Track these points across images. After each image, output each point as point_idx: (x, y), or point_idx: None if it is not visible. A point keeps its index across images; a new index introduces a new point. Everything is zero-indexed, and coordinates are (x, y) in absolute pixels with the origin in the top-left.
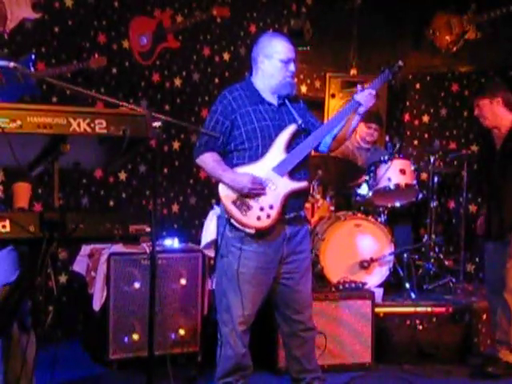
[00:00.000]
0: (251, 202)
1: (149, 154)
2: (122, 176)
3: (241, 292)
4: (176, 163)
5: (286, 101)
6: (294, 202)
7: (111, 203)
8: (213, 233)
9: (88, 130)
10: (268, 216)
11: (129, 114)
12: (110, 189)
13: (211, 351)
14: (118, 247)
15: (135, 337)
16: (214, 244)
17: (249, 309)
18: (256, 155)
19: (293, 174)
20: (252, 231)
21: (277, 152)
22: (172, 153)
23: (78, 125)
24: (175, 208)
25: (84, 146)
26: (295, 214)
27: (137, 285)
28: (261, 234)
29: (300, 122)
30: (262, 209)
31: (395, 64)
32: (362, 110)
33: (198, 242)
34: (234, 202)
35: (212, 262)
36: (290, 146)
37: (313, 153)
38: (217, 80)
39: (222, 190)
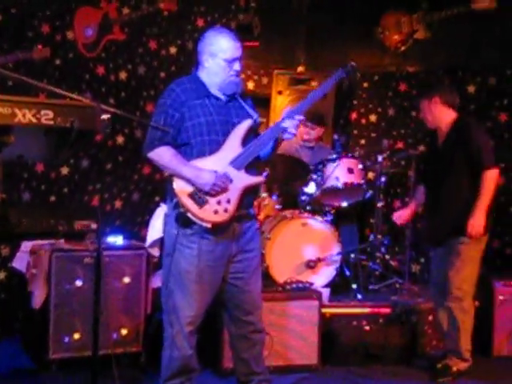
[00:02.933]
0: (208, 196)
1: (92, 149)
2: (64, 171)
3: (188, 292)
4: (120, 158)
5: (237, 96)
6: (245, 198)
7: (53, 198)
8: (159, 231)
9: (34, 120)
10: (225, 210)
11: (77, 105)
12: (51, 184)
13: (155, 351)
14: (60, 244)
15: (76, 336)
16: (160, 242)
17: (196, 309)
18: (203, 150)
19: (248, 169)
20: (209, 225)
21: (233, 146)
22: (116, 148)
23: (24, 115)
24: (118, 204)
25: (29, 137)
26: (245, 212)
27: (79, 283)
28: (216, 230)
29: (255, 117)
30: (219, 202)
31: (348, 64)
32: (286, 137)
33: (142, 239)
34: (190, 196)
35: (156, 260)
36: (245, 141)
37: None
38: (163, 74)
39: (177, 184)
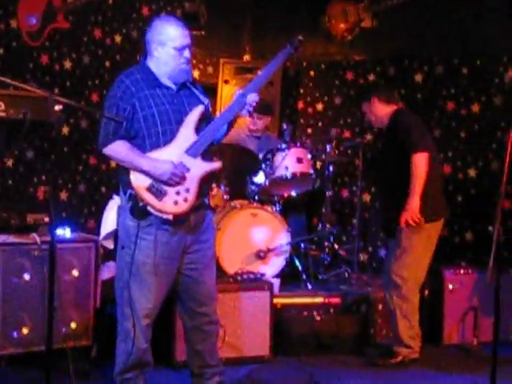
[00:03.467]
0: (166, 188)
1: (36, 139)
2: (9, 162)
3: (145, 284)
4: (65, 149)
5: (188, 84)
6: (203, 186)
7: None
8: (113, 223)
9: None
10: (185, 200)
11: (29, 96)
12: None
13: (105, 345)
14: (7, 237)
15: (25, 331)
16: (114, 235)
17: (153, 301)
18: (157, 142)
19: (205, 156)
20: (170, 217)
21: (187, 134)
22: (61, 138)
23: None
24: (63, 196)
25: None
26: (200, 201)
27: (27, 277)
28: (175, 221)
29: (206, 102)
30: (178, 193)
31: (295, 38)
32: (244, 113)
33: (88, 231)
34: (149, 189)
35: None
36: (199, 128)
37: None
38: (108, 63)
39: (135, 178)
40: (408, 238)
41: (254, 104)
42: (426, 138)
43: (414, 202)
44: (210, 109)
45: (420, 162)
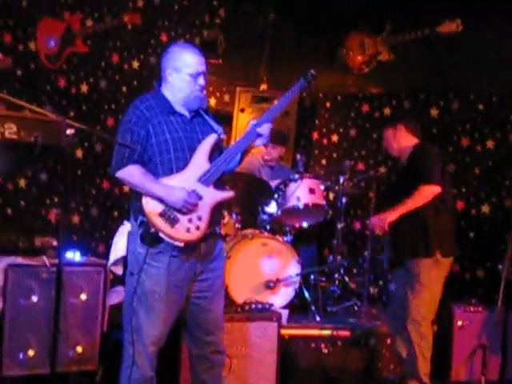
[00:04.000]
0: (179, 215)
1: (50, 162)
2: (22, 183)
3: (153, 311)
4: (78, 172)
5: (201, 111)
6: (215, 215)
7: (9, 211)
8: (122, 249)
9: None
10: (197, 228)
11: (41, 119)
12: (8, 196)
13: (110, 370)
14: (16, 258)
15: (31, 353)
16: (123, 261)
17: (161, 329)
18: (170, 168)
19: (217, 185)
20: (181, 244)
21: (200, 162)
22: (74, 161)
23: None
24: (76, 219)
25: None
26: (212, 229)
27: (34, 298)
28: (185, 249)
29: (220, 131)
30: (190, 220)
31: (308, 72)
32: (259, 142)
33: (99, 255)
34: (161, 215)
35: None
36: (212, 156)
37: None
38: (124, 88)
39: (147, 203)
40: (427, 274)
41: (268, 134)
42: (442, 174)
43: (393, 215)
44: (223, 137)
45: (428, 194)
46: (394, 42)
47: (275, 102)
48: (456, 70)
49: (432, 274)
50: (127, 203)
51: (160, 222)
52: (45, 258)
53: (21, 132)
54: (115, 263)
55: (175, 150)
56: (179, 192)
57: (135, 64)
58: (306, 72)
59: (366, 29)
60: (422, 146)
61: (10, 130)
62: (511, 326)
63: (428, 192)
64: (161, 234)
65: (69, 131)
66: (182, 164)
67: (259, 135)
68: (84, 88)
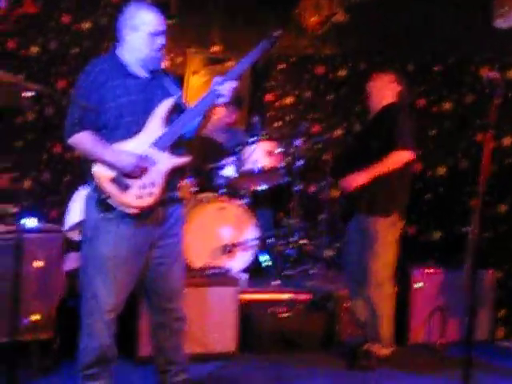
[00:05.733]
0: (131, 180)
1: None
2: None
3: (110, 278)
4: (29, 137)
5: (160, 73)
6: (170, 181)
7: None
8: (77, 215)
9: None
10: (150, 194)
11: None
12: None
13: (67, 338)
14: None
15: None
16: (80, 226)
17: (117, 296)
18: (123, 133)
19: (173, 150)
20: (135, 211)
21: (154, 126)
22: (26, 125)
23: None
24: (27, 184)
25: None
26: (170, 195)
27: None
28: (139, 214)
29: (178, 94)
30: (143, 186)
31: (271, 34)
32: (221, 101)
33: (52, 221)
34: (113, 181)
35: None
36: (168, 121)
37: None
38: (76, 50)
39: (98, 169)
40: (386, 234)
41: (229, 94)
42: (412, 138)
43: (364, 177)
44: (183, 101)
45: (402, 159)
46: (349, 3)
47: (235, 65)
48: (412, 31)
49: (390, 235)
50: (80, 168)
51: (111, 188)
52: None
53: None
54: (71, 228)
55: (131, 114)
56: (128, 157)
57: (86, 25)
58: (269, 33)
59: None
60: (394, 107)
61: None
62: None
63: (403, 157)
64: (111, 201)
65: (28, 93)
66: (137, 128)
67: (220, 96)
68: (34, 50)
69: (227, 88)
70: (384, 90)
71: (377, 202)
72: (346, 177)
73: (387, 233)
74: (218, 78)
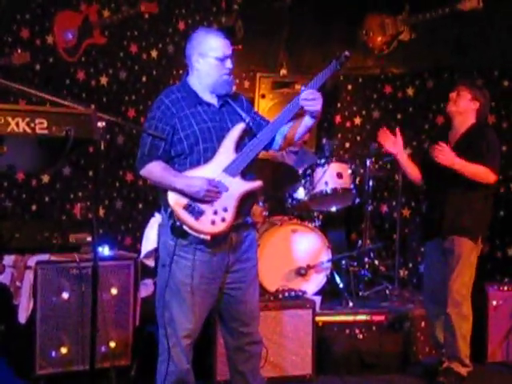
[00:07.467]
0: (204, 207)
1: (73, 156)
2: (45, 179)
3: (186, 304)
4: (102, 165)
5: (229, 100)
6: (242, 206)
7: (34, 207)
8: (154, 241)
9: (28, 130)
10: (223, 219)
11: (72, 113)
12: (32, 192)
13: (144, 365)
14: (45, 255)
15: (63, 350)
16: (155, 253)
17: (194, 322)
18: (198, 160)
19: (245, 175)
20: (207, 237)
21: (226, 152)
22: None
23: (17, 124)
24: (101, 212)
25: (22, 147)
26: (243, 220)
27: (65, 295)
28: (213, 241)
29: (247, 120)
30: (215, 212)
31: (341, 54)
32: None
33: (125, 248)
34: (186, 208)
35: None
36: (239, 146)
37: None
38: (144, 78)
39: (171, 197)
40: (469, 255)
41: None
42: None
43: (458, 161)
44: (251, 125)
45: (487, 177)
46: (414, 21)
47: (304, 87)
48: (479, 47)
49: (472, 256)
50: (152, 195)
51: (184, 215)
52: (75, 254)
53: (52, 127)
54: (147, 256)
55: (204, 141)
56: (198, 182)
57: (154, 53)
58: (339, 54)
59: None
60: (484, 128)
61: (41, 125)
62: None
63: (487, 176)
64: (185, 227)
65: (100, 124)
66: (210, 155)
67: (298, 106)
68: (103, 80)
69: (304, 96)
70: (468, 108)
71: (463, 222)
72: (444, 149)
73: (470, 254)
74: (302, 87)
